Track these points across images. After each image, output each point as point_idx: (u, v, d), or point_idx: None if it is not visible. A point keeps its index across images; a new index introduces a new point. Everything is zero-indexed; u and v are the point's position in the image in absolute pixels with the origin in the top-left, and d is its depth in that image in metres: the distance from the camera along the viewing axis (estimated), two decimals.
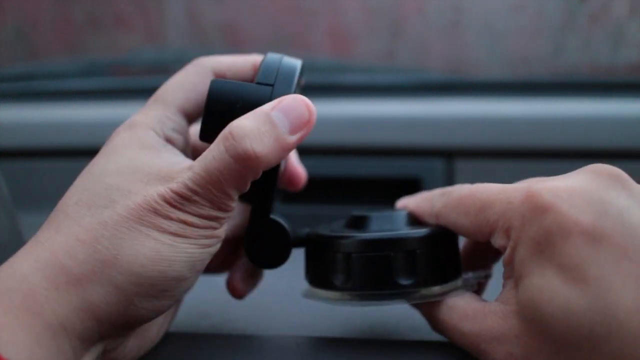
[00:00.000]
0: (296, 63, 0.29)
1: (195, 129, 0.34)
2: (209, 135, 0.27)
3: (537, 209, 0.23)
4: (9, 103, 0.65)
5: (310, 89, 0.61)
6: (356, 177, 0.56)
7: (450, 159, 0.56)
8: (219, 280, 0.44)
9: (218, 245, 0.26)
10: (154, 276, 0.23)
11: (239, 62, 0.30)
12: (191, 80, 0.29)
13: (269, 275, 0.44)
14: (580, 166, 0.25)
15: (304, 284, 0.31)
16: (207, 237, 0.25)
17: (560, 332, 0.22)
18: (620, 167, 0.24)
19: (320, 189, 0.53)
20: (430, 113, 0.58)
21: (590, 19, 0.69)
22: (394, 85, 0.63)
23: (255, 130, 0.25)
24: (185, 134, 0.29)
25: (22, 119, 0.61)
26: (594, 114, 0.55)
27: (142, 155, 0.26)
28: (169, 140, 0.28)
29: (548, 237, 0.23)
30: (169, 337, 0.30)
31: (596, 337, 0.21)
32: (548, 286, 0.22)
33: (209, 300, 0.39)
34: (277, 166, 0.27)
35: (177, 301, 0.28)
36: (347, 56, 0.79)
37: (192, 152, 0.33)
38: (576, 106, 0.57)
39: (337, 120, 0.58)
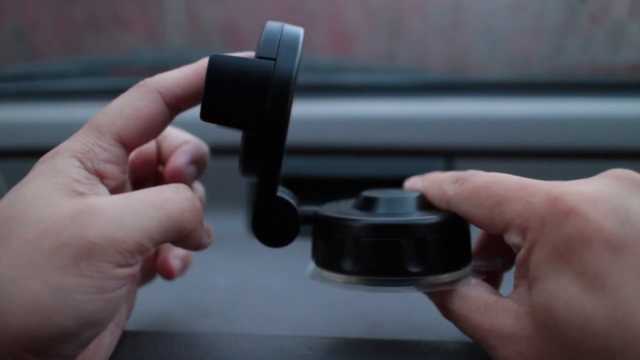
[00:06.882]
0: (298, 32, 0.27)
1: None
2: (209, 114, 0.26)
3: (558, 213, 0.23)
4: (9, 103, 0.64)
5: (310, 89, 0.62)
6: (356, 177, 0.56)
7: (450, 159, 0.56)
8: (219, 280, 0.44)
9: (123, 290, 0.23)
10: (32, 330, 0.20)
11: (189, 75, 0.28)
12: (133, 105, 0.26)
13: (269, 274, 0.44)
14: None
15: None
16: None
17: (575, 340, 0.21)
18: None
19: (320, 189, 0.53)
20: (430, 113, 0.58)
21: (590, 19, 0.69)
22: (394, 85, 0.63)
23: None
24: (123, 164, 0.27)
25: (22, 119, 0.61)
26: (594, 114, 0.55)
27: (52, 192, 0.23)
28: (99, 174, 0.25)
29: (568, 242, 0.22)
30: (169, 337, 0.30)
31: (612, 347, 0.21)
32: (564, 292, 0.22)
33: (209, 299, 0.39)
34: (282, 142, 0.27)
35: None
36: (347, 56, 0.78)
37: (133, 184, 0.32)
38: (576, 106, 0.57)
39: (336, 120, 0.58)
